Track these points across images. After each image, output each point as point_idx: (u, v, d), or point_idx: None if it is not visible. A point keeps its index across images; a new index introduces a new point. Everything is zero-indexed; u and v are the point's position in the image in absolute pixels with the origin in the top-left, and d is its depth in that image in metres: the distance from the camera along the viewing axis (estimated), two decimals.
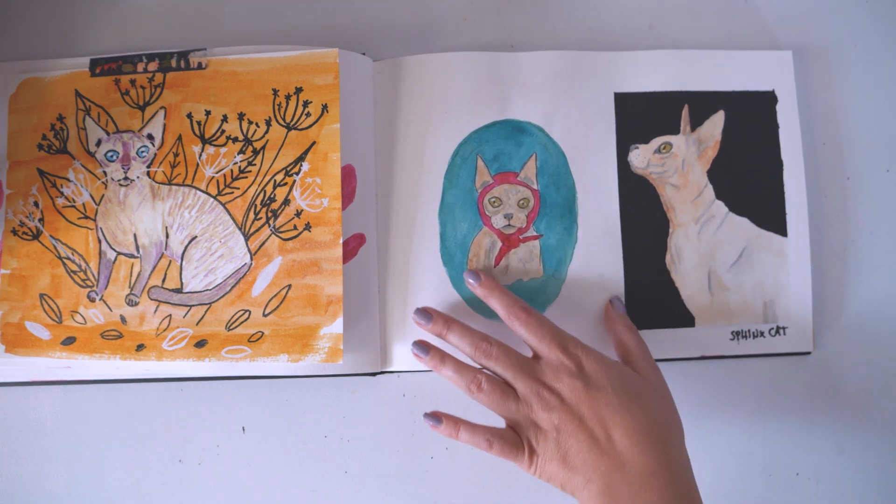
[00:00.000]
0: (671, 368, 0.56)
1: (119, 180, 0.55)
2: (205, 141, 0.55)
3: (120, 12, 0.59)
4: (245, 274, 0.54)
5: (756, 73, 0.58)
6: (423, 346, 0.52)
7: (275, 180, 0.55)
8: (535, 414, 0.48)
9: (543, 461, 0.48)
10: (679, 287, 0.57)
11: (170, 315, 0.54)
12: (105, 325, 0.54)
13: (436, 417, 0.51)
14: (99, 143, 0.55)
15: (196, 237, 0.55)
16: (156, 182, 0.55)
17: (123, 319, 0.54)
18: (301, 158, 0.55)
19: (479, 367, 0.51)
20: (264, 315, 0.53)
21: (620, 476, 0.46)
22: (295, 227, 0.54)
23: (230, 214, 0.55)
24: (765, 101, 0.58)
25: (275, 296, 0.54)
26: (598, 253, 0.56)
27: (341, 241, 0.54)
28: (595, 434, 0.47)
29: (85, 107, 0.56)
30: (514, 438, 0.49)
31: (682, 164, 0.58)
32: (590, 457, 0.47)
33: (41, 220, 0.55)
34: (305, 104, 0.55)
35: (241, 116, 0.55)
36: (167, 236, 0.55)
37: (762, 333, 0.57)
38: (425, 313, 0.53)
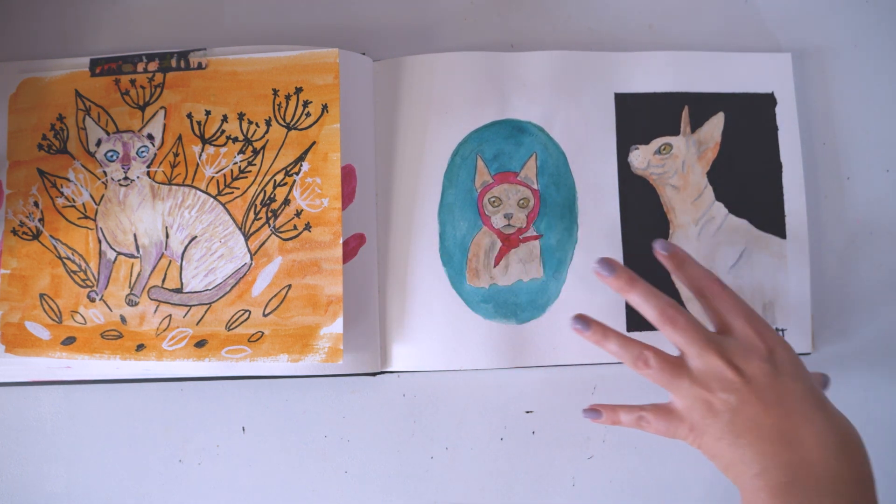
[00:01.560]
0: None
1: (119, 180, 0.55)
2: (205, 141, 0.55)
3: (120, 12, 0.59)
4: (245, 274, 0.54)
5: (755, 75, 0.58)
6: (584, 321, 0.48)
7: (275, 180, 0.55)
8: (710, 394, 0.44)
9: (709, 438, 0.44)
10: (679, 289, 0.57)
11: (170, 315, 0.54)
12: (105, 325, 0.54)
13: (595, 412, 0.49)
14: (99, 143, 0.55)
15: (196, 237, 0.55)
16: (156, 182, 0.55)
17: (123, 319, 0.54)
18: (301, 158, 0.55)
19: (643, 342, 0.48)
20: (264, 315, 0.53)
21: (806, 474, 0.41)
22: (295, 227, 0.54)
23: (230, 214, 0.55)
24: (764, 103, 0.58)
25: (275, 296, 0.54)
26: (598, 253, 0.56)
27: (341, 241, 0.54)
28: (781, 424, 0.42)
29: (85, 107, 0.56)
30: (674, 414, 0.46)
31: (682, 166, 0.58)
32: (771, 446, 0.42)
33: (41, 220, 0.55)
34: (305, 104, 0.55)
35: (241, 116, 0.55)
36: (167, 236, 0.55)
37: None
38: (608, 265, 0.48)
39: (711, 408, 0.44)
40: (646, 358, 0.46)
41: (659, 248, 0.50)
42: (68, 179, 0.55)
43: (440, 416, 0.56)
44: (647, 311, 0.47)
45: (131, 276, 0.54)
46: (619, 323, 0.56)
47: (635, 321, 0.56)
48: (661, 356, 0.46)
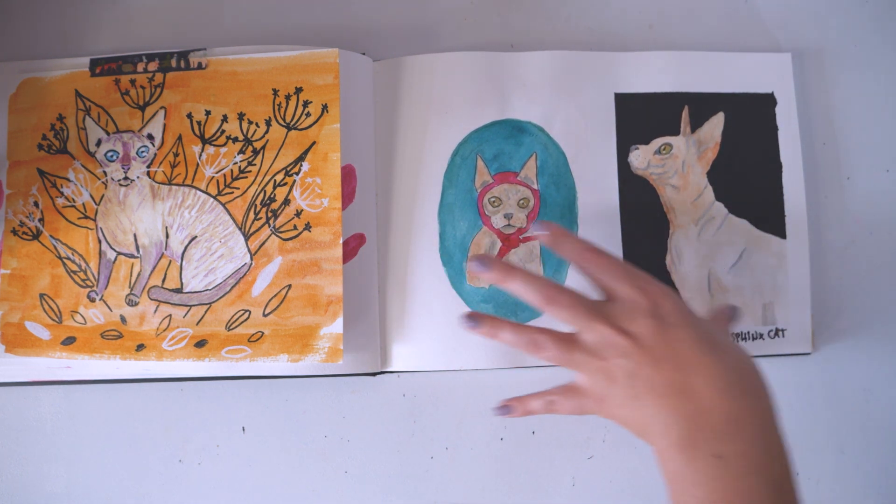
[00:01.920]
0: None
1: (119, 180, 0.55)
2: (205, 141, 0.55)
3: (120, 12, 0.59)
4: (245, 274, 0.54)
5: (755, 76, 0.58)
6: (473, 318, 0.47)
7: (275, 180, 0.55)
8: (605, 362, 0.44)
9: (614, 405, 0.44)
10: (679, 288, 0.57)
11: (170, 315, 0.54)
12: (105, 325, 0.54)
13: (506, 408, 0.48)
14: (99, 143, 0.55)
15: (196, 237, 0.55)
16: (156, 182, 0.55)
17: (123, 319, 0.54)
18: (301, 158, 0.55)
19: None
20: (264, 315, 0.53)
21: (703, 422, 0.41)
22: (295, 227, 0.54)
23: (230, 214, 0.55)
24: (764, 103, 0.58)
25: (275, 296, 0.54)
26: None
27: (341, 241, 0.54)
28: (673, 378, 0.42)
29: (85, 107, 0.56)
30: (579, 390, 0.46)
31: (682, 166, 0.58)
32: (667, 401, 0.42)
33: (41, 220, 0.55)
34: (305, 104, 0.55)
35: (241, 116, 0.55)
36: (167, 236, 0.55)
37: (761, 335, 0.57)
38: (481, 260, 0.47)
39: (610, 375, 0.44)
40: (539, 342, 0.46)
41: (534, 229, 0.49)
42: (68, 179, 0.55)
43: (440, 416, 0.56)
44: (529, 295, 0.46)
45: (131, 276, 0.54)
46: None
47: None
48: (553, 337, 0.45)
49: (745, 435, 0.41)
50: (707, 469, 0.41)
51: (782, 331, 0.57)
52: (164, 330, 0.53)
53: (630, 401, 0.43)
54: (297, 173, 0.54)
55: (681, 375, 0.42)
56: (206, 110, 0.55)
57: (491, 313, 0.55)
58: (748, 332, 0.57)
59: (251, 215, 0.54)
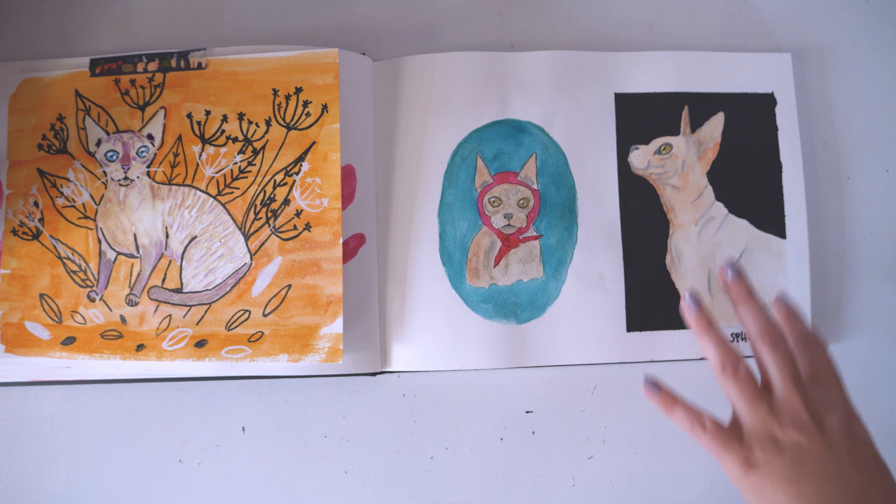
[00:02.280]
0: (671, 369, 0.56)
1: (119, 180, 0.55)
2: (205, 141, 0.55)
3: (120, 12, 0.59)
4: (245, 274, 0.54)
5: (755, 76, 0.58)
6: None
7: (275, 180, 0.55)
8: (780, 430, 0.42)
9: (762, 475, 0.42)
10: (679, 288, 0.57)
11: (170, 315, 0.54)
12: (105, 325, 0.54)
13: (656, 387, 0.46)
14: (99, 143, 0.55)
15: (196, 237, 0.55)
16: (156, 182, 0.55)
17: (123, 319, 0.54)
18: (301, 158, 0.55)
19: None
20: (264, 315, 0.53)
21: None
22: (295, 227, 0.54)
23: (230, 214, 0.55)
24: (764, 103, 0.58)
25: (275, 296, 0.54)
26: (598, 253, 0.56)
27: (341, 241, 0.54)
28: (849, 477, 0.40)
29: (85, 107, 0.56)
30: (733, 433, 0.44)
31: (682, 166, 0.58)
32: (836, 497, 0.40)
33: (41, 220, 0.55)
34: (305, 104, 0.55)
35: (241, 116, 0.55)
36: (167, 236, 0.55)
37: None
38: (734, 268, 0.47)
39: (777, 443, 0.42)
40: (737, 372, 0.44)
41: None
42: (68, 179, 0.55)
43: (440, 416, 0.56)
44: (751, 325, 0.45)
45: (131, 276, 0.54)
46: (618, 323, 0.56)
47: (635, 322, 0.56)
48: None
49: None
50: None
51: None
52: (164, 330, 0.53)
53: (785, 477, 0.41)
54: (297, 173, 0.54)
55: (858, 477, 0.41)
56: (206, 110, 0.55)
57: (490, 313, 0.56)
58: None
59: (251, 215, 0.54)
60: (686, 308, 0.47)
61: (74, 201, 0.55)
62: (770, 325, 0.45)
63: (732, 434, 0.44)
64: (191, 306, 0.54)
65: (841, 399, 0.44)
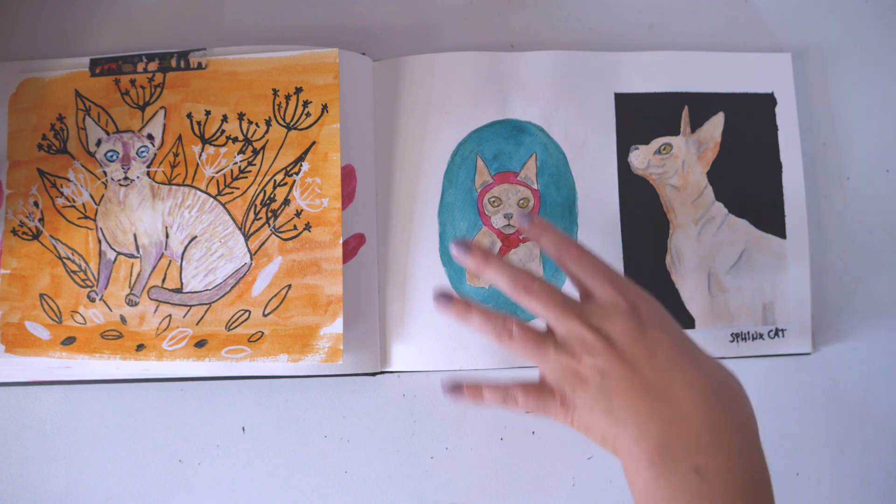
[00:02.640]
0: None
1: (119, 180, 0.55)
2: (205, 141, 0.55)
3: (120, 12, 0.59)
4: (245, 274, 0.54)
5: (755, 76, 0.58)
6: (445, 297, 0.46)
7: (275, 180, 0.55)
8: (577, 360, 0.42)
9: (581, 411, 0.41)
10: (679, 288, 0.57)
11: (170, 315, 0.54)
12: (105, 325, 0.54)
13: (457, 388, 0.46)
14: (99, 143, 0.55)
15: (196, 237, 0.55)
16: (156, 182, 0.55)
17: (123, 319, 0.54)
18: (301, 158, 0.55)
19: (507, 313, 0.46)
20: (264, 315, 0.53)
21: (682, 430, 0.38)
22: (295, 227, 0.54)
23: (230, 214, 0.55)
24: (764, 103, 0.58)
25: (275, 296, 0.54)
26: (598, 253, 0.56)
27: (341, 241, 0.54)
28: (651, 381, 0.40)
29: (85, 107, 0.56)
30: (545, 388, 0.43)
31: (682, 166, 0.58)
32: (644, 405, 0.39)
33: (41, 220, 0.55)
34: (305, 104, 0.55)
35: (241, 116, 0.55)
36: (167, 236, 0.55)
37: (761, 336, 0.57)
38: (463, 245, 0.46)
39: (580, 376, 0.42)
40: (509, 329, 0.44)
41: (517, 220, 0.48)
42: (68, 179, 0.55)
43: (440, 416, 0.56)
44: (502, 283, 0.45)
45: (131, 276, 0.54)
46: None
47: None
48: (525, 327, 0.44)
49: (725, 448, 0.38)
50: (684, 485, 0.37)
51: (782, 331, 0.57)
52: (164, 330, 0.53)
53: (600, 404, 0.41)
54: (297, 173, 0.54)
55: (658, 378, 0.40)
56: (205, 110, 0.55)
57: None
58: (748, 332, 0.57)
59: (251, 215, 0.54)
60: (439, 306, 0.46)
61: (74, 201, 0.55)
62: (515, 274, 0.45)
63: (543, 389, 0.44)
64: (191, 306, 0.54)
65: (614, 293, 0.43)
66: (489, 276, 0.45)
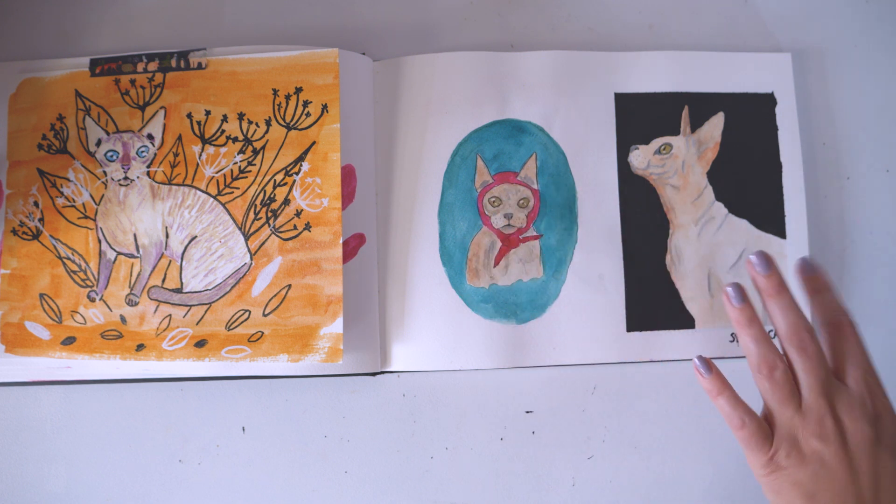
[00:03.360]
0: (671, 370, 0.56)
1: (119, 180, 0.55)
2: (205, 141, 0.55)
3: (120, 12, 0.59)
4: (245, 274, 0.54)
5: (755, 76, 0.58)
6: (707, 365, 0.46)
7: (275, 180, 0.55)
8: (805, 433, 0.42)
9: (782, 479, 0.42)
10: (679, 288, 0.57)
11: (170, 315, 0.54)
12: (105, 325, 0.54)
13: (707, 366, 0.46)
14: (99, 143, 0.55)
15: (196, 237, 0.55)
16: (156, 182, 0.55)
17: (123, 319, 0.54)
18: (301, 158, 0.55)
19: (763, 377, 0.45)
20: (264, 315, 0.53)
21: None
22: (295, 227, 0.54)
23: (230, 214, 0.55)
24: (764, 103, 0.58)
25: (275, 296, 0.54)
26: (598, 253, 0.56)
27: (341, 241, 0.54)
28: (864, 497, 0.41)
29: (85, 107, 0.56)
30: (767, 433, 0.44)
31: (682, 166, 0.58)
32: None
33: (41, 220, 0.55)
34: (305, 104, 0.55)
35: (241, 116, 0.55)
36: (167, 236, 0.55)
37: None
38: (766, 261, 0.46)
39: (801, 450, 0.42)
40: (777, 368, 0.44)
41: (800, 268, 0.47)
42: (68, 179, 0.55)
43: (440, 416, 0.56)
44: (780, 324, 0.45)
45: (131, 276, 0.54)
46: (618, 323, 0.56)
47: (635, 322, 0.56)
48: (788, 375, 0.44)
49: None
50: None
51: None
52: (164, 330, 0.53)
53: (804, 487, 0.42)
54: (297, 173, 0.54)
55: (873, 496, 0.41)
56: (205, 110, 0.55)
57: (490, 313, 0.56)
58: None
59: (251, 215, 0.54)
60: (729, 300, 0.46)
61: (74, 201, 0.55)
62: (799, 324, 0.44)
63: (763, 432, 0.44)
64: (191, 306, 0.54)
65: (867, 392, 0.43)
66: (772, 308, 0.45)
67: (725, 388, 0.46)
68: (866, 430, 0.42)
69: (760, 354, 0.44)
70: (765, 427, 0.44)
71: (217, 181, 0.55)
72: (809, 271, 0.47)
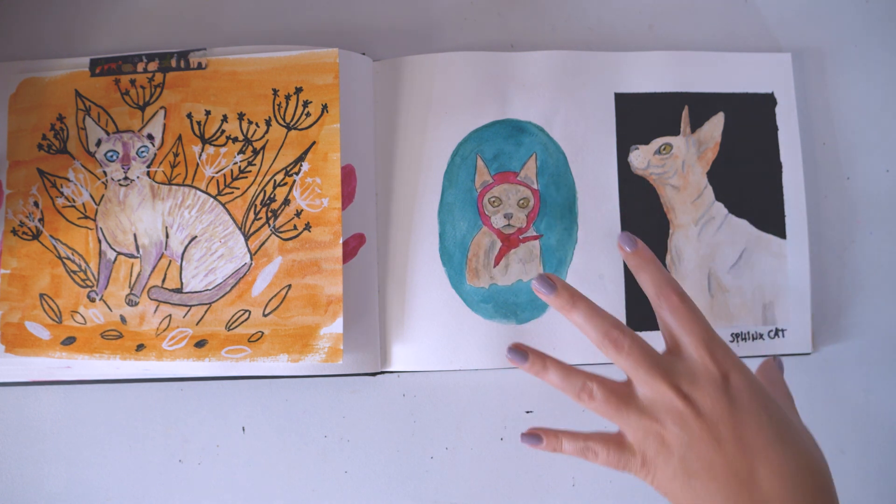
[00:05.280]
0: None
1: (119, 180, 0.55)
2: (205, 141, 0.55)
3: (120, 12, 0.59)
4: (245, 274, 0.54)
5: (755, 76, 0.58)
6: (520, 352, 0.44)
7: (275, 180, 0.55)
8: (661, 425, 0.40)
9: (662, 476, 0.41)
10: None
11: (170, 315, 0.54)
12: (105, 325, 0.54)
13: (535, 437, 0.44)
14: (99, 143, 0.55)
15: (196, 237, 0.55)
16: (156, 182, 0.55)
17: (123, 319, 0.54)
18: (301, 158, 0.55)
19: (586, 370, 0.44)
20: (264, 315, 0.53)
21: None
22: (295, 227, 0.54)
23: (230, 214, 0.55)
24: (764, 103, 0.58)
25: (275, 296, 0.54)
26: (598, 253, 0.56)
27: (341, 241, 0.54)
28: (735, 464, 0.39)
29: (85, 107, 0.56)
30: (625, 446, 0.42)
31: (682, 166, 0.58)
32: (725, 487, 0.38)
33: (41, 220, 0.55)
34: (305, 104, 0.55)
35: (241, 116, 0.55)
36: (167, 236, 0.55)
37: (761, 336, 0.57)
38: (548, 281, 0.43)
39: (664, 442, 0.40)
40: (589, 389, 0.42)
41: (622, 243, 0.45)
42: (68, 179, 0.55)
43: (440, 416, 0.56)
44: (590, 332, 0.43)
45: (131, 276, 0.54)
46: None
47: (635, 322, 0.56)
48: (606, 386, 0.42)
49: None
50: None
51: (782, 331, 0.57)
52: (164, 330, 0.53)
53: (679, 477, 0.39)
54: (297, 173, 0.54)
55: (744, 462, 0.39)
56: (206, 110, 0.55)
57: (490, 313, 0.55)
58: (748, 332, 0.57)
59: (251, 215, 0.54)
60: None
61: (74, 201, 0.55)
62: (605, 324, 0.42)
63: (624, 447, 0.42)
64: (191, 306, 0.54)
65: (707, 357, 0.41)
66: (576, 320, 0.43)
67: (559, 436, 0.44)
68: (716, 395, 0.40)
69: (572, 385, 0.43)
70: (621, 441, 0.42)
71: (217, 181, 0.55)
72: (629, 246, 0.44)
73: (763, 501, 0.38)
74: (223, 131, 0.55)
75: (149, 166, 0.55)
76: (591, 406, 0.42)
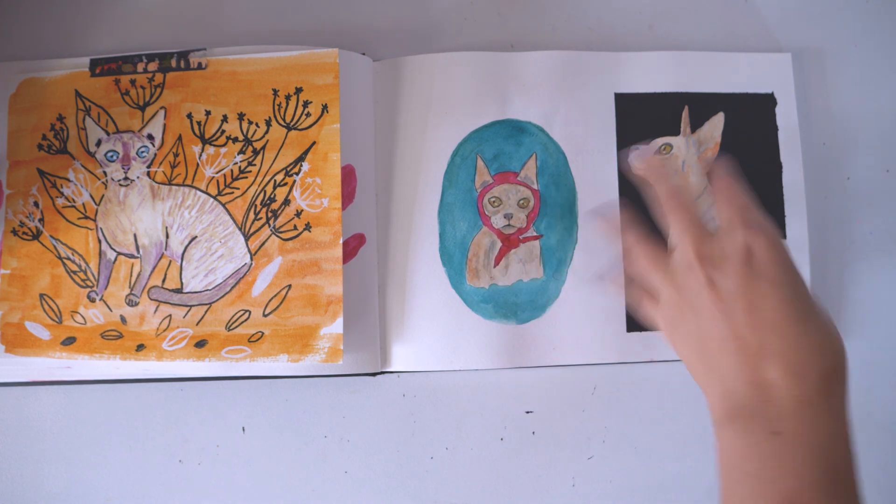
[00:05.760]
0: (672, 370, 0.56)
1: (119, 180, 0.55)
2: (205, 141, 0.55)
3: (120, 12, 0.59)
4: (245, 274, 0.54)
5: (755, 76, 0.58)
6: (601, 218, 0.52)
7: (275, 180, 0.55)
8: (679, 294, 0.42)
9: (677, 338, 0.42)
10: None
11: (170, 315, 0.54)
12: (105, 326, 0.54)
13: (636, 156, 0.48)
14: (99, 143, 0.56)
15: (196, 237, 0.55)
16: (156, 182, 0.55)
17: (123, 319, 0.54)
18: (301, 158, 0.55)
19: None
20: (264, 315, 0.53)
21: (767, 396, 0.37)
22: (295, 227, 0.54)
23: (230, 214, 0.55)
24: (764, 104, 0.58)
25: (275, 296, 0.54)
26: (598, 253, 0.56)
27: (341, 241, 0.54)
28: (745, 339, 0.38)
29: (85, 107, 0.56)
30: (654, 299, 0.46)
31: (682, 166, 0.58)
32: (731, 364, 0.39)
33: (41, 220, 0.55)
34: (305, 104, 0.55)
35: (241, 116, 0.55)
36: (167, 236, 0.55)
37: None
38: (642, 155, 0.50)
39: (680, 308, 0.42)
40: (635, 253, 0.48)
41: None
42: (68, 179, 0.55)
43: (440, 416, 0.56)
44: (660, 190, 0.47)
45: (131, 276, 0.54)
46: (618, 323, 0.56)
47: (635, 322, 0.56)
48: (646, 249, 0.47)
49: (810, 418, 0.37)
50: (761, 444, 0.37)
51: None
52: (164, 330, 0.54)
53: (691, 343, 0.41)
54: (297, 173, 0.54)
55: (753, 337, 0.39)
56: (206, 110, 0.55)
57: (490, 313, 0.56)
58: None
59: (251, 215, 0.54)
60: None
61: (74, 201, 0.55)
62: (673, 187, 0.46)
63: (654, 298, 0.46)
64: (191, 306, 0.54)
65: (740, 228, 0.42)
66: (653, 178, 0.47)
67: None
68: (736, 268, 0.40)
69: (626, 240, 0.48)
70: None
71: (217, 181, 0.55)
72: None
73: (768, 380, 0.38)
74: (223, 131, 0.55)
75: (149, 166, 0.55)
76: (633, 266, 0.48)
